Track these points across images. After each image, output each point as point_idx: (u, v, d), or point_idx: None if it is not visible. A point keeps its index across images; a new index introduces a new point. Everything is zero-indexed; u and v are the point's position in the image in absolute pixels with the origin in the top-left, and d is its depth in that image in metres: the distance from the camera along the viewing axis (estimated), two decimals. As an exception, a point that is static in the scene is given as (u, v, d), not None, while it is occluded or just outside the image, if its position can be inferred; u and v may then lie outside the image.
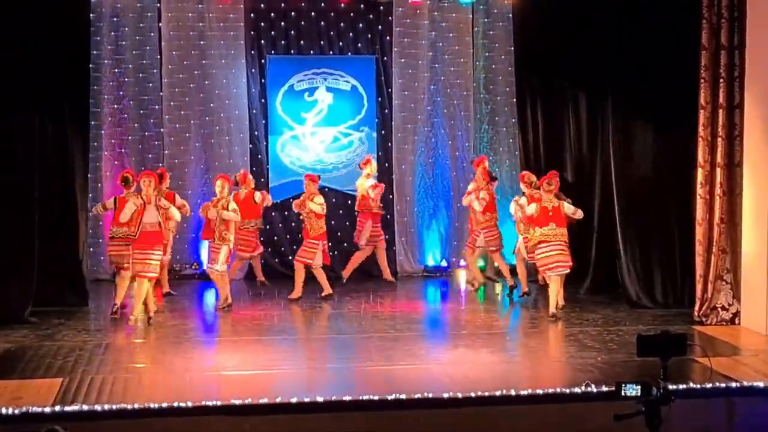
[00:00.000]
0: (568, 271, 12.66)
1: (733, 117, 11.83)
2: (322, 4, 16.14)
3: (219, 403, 8.53)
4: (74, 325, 12.13)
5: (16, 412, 8.33)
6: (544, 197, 12.62)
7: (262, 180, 16.19)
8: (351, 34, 16.38)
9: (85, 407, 8.49)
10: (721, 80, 11.77)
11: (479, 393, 8.82)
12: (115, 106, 15.61)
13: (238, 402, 8.54)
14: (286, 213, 15.92)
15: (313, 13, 16.20)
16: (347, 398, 8.68)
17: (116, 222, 12.67)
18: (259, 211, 14.64)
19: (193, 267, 15.79)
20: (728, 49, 11.75)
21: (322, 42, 16.32)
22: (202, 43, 15.85)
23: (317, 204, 13.81)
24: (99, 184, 15.38)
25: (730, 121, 11.83)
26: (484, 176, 14.00)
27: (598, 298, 13.77)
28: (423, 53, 16.25)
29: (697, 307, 12.14)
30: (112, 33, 15.50)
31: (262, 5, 16.07)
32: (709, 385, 8.90)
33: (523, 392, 8.84)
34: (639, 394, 6.04)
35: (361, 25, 16.39)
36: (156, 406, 8.46)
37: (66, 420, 8.10)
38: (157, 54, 15.69)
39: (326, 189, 16.04)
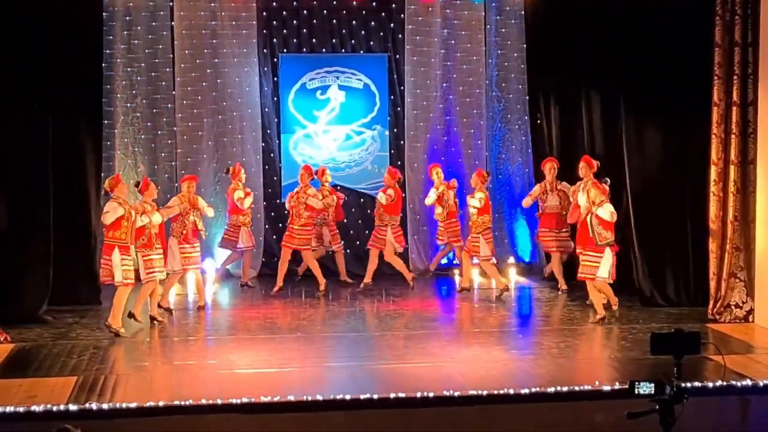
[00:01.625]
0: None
1: (747, 114, 11.80)
2: (334, 3, 16.13)
3: (232, 401, 8.54)
4: (88, 324, 12.17)
5: (31, 410, 8.36)
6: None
7: (275, 178, 16.22)
8: (363, 32, 16.39)
9: (99, 406, 8.51)
10: (735, 77, 11.75)
11: (492, 391, 8.83)
12: (128, 105, 15.62)
13: (251, 400, 8.55)
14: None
15: (325, 12, 16.20)
16: (360, 396, 8.70)
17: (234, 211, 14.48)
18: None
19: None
20: (741, 46, 11.72)
21: (334, 40, 16.34)
22: (214, 41, 15.85)
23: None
24: (112, 183, 15.40)
25: (743, 118, 11.80)
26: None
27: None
28: (435, 51, 16.23)
29: (710, 305, 12.13)
30: (125, 32, 15.50)
31: (275, 3, 16.08)
32: (723, 383, 8.88)
33: (536, 390, 8.84)
34: (652, 392, 6.03)
35: (373, 23, 16.39)
36: (169, 404, 8.49)
37: (80, 418, 8.15)
38: (170, 53, 15.70)
39: (338, 187, 16.06)
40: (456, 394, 8.76)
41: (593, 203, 12.01)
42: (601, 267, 11.98)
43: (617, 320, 12.23)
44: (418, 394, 8.72)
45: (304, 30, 16.24)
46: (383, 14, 16.37)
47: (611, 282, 12.19)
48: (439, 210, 14.92)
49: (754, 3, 11.65)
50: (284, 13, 16.20)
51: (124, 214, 11.50)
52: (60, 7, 12.79)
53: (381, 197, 14.40)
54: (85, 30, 13.32)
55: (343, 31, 16.33)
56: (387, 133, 16.50)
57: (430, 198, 14.90)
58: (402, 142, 16.41)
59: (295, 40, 16.27)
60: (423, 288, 14.98)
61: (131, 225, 11.60)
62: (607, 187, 12.24)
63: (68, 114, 13.08)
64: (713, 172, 11.95)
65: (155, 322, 12.16)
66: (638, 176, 13.13)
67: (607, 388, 8.87)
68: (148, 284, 11.97)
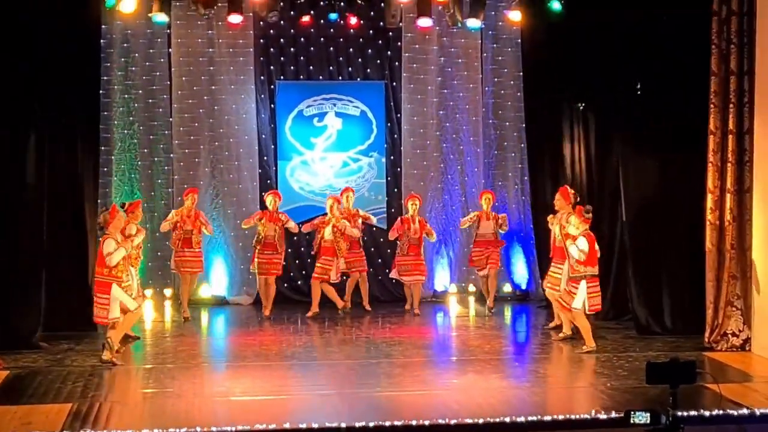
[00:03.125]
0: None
1: (743, 143, 11.82)
2: (331, 30, 16.18)
3: (227, 428, 8.50)
4: (83, 350, 12.11)
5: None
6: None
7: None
8: (360, 59, 16.44)
9: (94, 433, 8.49)
10: (731, 106, 11.78)
11: (488, 419, 8.79)
12: (125, 131, 15.66)
13: (246, 428, 8.51)
14: (294, 238, 15.90)
15: (322, 39, 16.27)
16: (356, 424, 8.65)
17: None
18: None
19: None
20: (738, 75, 11.75)
21: (331, 67, 16.40)
22: (211, 68, 15.91)
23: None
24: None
25: (739, 146, 11.82)
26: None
27: (607, 324, 13.72)
28: (432, 78, 16.29)
29: (707, 333, 12.10)
30: (122, 59, 15.56)
31: (272, 31, 16.12)
32: (720, 412, 8.85)
33: (532, 418, 8.80)
34: (648, 421, 6.04)
35: (370, 50, 16.45)
36: (164, 431, 8.45)
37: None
38: (167, 80, 15.76)
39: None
40: (452, 422, 8.72)
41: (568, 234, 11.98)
42: (576, 298, 11.92)
43: (614, 349, 12.20)
44: (414, 422, 8.68)
45: (301, 57, 16.30)
46: (380, 42, 16.44)
47: (591, 313, 12.11)
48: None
49: (749, 32, 11.70)
50: (281, 40, 16.26)
51: (125, 254, 11.44)
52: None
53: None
54: (85, 56, 13.34)
55: (340, 58, 16.40)
56: (384, 160, 16.52)
57: (464, 222, 15.25)
58: (399, 169, 16.44)
59: (292, 67, 16.32)
60: (419, 315, 14.93)
61: (127, 260, 11.55)
62: (590, 216, 12.13)
63: (66, 141, 13.07)
64: (709, 200, 11.96)
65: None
66: (634, 203, 13.14)
67: (603, 416, 8.83)
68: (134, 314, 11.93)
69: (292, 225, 14.73)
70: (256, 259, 14.62)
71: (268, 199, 14.65)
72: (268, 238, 14.47)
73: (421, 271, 14.97)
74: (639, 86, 13.33)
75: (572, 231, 11.94)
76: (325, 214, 14.73)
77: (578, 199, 12.82)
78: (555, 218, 12.88)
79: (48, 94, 12.80)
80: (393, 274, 15.15)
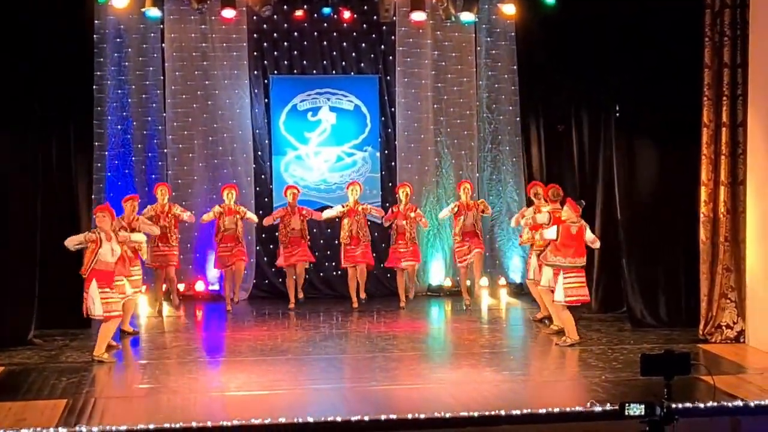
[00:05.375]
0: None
1: (737, 135, 11.83)
2: (325, 24, 16.17)
3: (223, 423, 8.51)
4: (78, 347, 12.11)
5: (20, 433, 8.33)
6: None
7: (266, 200, 16.19)
8: (354, 53, 16.42)
9: (89, 429, 8.46)
10: (724, 98, 11.79)
11: (483, 412, 8.80)
12: (119, 126, 15.63)
13: (242, 422, 8.52)
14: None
15: (316, 33, 16.25)
16: (351, 418, 8.67)
17: None
18: None
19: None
20: (731, 67, 11.76)
21: (325, 62, 16.37)
22: (205, 63, 15.89)
23: None
24: (102, 205, 15.37)
25: (733, 139, 11.83)
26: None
27: (602, 316, 13.76)
28: (426, 72, 16.27)
29: (701, 326, 12.12)
30: (116, 54, 15.53)
31: (265, 25, 16.09)
32: (714, 404, 8.87)
33: (527, 411, 8.82)
34: (643, 413, 6.05)
35: (363, 44, 16.42)
36: (159, 427, 8.44)
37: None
38: (161, 75, 15.73)
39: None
40: (447, 415, 8.74)
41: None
42: (555, 291, 11.97)
43: (608, 341, 12.22)
44: (409, 416, 8.69)
45: (295, 52, 16.28)
46: (374, 36, 16.41)
47: (575, 305, 12.08)
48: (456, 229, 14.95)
49: (743, 24, 11.70)
50: (275, 34, 16.23)
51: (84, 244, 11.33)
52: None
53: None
54: (77, 52, 13.32)
55: (334, 52, 16.37)
56: (378, 154, 16.51)
57: (443, 214, 15.26)
58: (393, 163, 16.43)
59: (285, 62, 16.30)
60: (413, 309, 14.95)
61: (91, 256, 11.28)
62: (581, 208, 12.08)
63: (59, 136, 13.07)
64: (703, 193, 11.97)
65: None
66: (628, 196, 13.16)
67: (597, 409, 8.85)
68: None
69: (250, 216, 14.75)
70: (216, 253, 14.82)
71: (225, 193, 14.69)
72: (228, 231, 14.50)
73: (412, 257, 15.05)
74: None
75: (564, 216, 11.92)
76: (287, 205, 14.99)
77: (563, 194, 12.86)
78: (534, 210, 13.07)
79: (48, 94, 12.80)
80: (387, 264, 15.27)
